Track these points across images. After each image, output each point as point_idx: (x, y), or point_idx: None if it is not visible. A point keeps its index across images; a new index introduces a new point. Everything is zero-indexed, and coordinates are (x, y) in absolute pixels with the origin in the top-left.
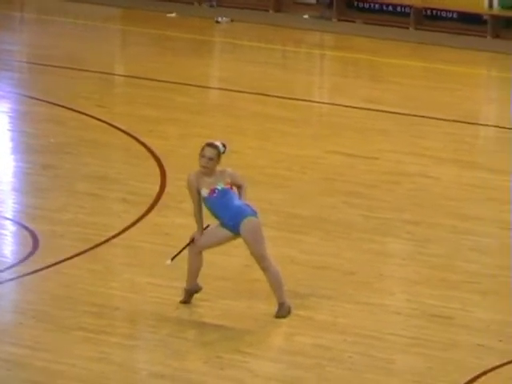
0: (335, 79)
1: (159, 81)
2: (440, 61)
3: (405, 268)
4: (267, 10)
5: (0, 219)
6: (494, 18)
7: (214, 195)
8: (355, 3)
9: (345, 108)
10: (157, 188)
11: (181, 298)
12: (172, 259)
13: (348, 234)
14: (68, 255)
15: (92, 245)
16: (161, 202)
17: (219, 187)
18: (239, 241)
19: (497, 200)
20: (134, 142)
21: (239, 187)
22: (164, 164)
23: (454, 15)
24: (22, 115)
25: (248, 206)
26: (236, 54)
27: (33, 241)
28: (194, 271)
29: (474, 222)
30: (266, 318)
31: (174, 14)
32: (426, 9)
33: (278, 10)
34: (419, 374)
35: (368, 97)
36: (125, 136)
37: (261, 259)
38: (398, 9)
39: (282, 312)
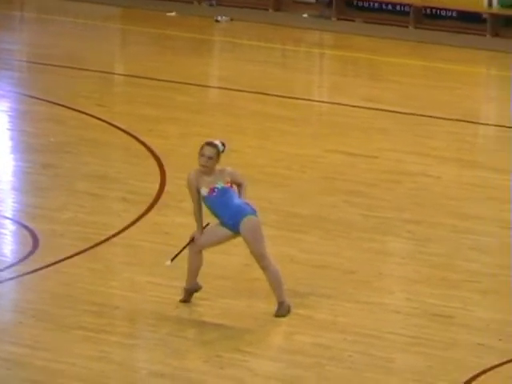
0: (335, 78)
1: (159, 80)
2: (440, 59)
3: (405, 267)
4: (267, 9)
5: (0, 218)
6: (494, 16)
7: (214, 194)
8: (355, 2)
9: (344, 107)
10: (157, 187)
11: (181, 297)
12: (172, 260)
13: (348, 233)
14: (68, 254)
15: (92, 244)
16: (161, 201)
17: (219, 186)
18: (239, 240)
19: (497, 199)
20: (133, 141)
21: (239, 185)
22: (164, 163)
23: (454, 14)
24: (21, 114)
25: (248, 204)
26: (236, 52)
27: (33, 240)
28: (194, 270)
29: (474, 221)
30: (265, 317)
31: (173, 13)
32: (425, 7)
33: (277, 9)
34: (419, 373)
35: (368, 96)
36: (125, 135)
37: (260, 258)
38: (398, 7)
39: (282, 311)
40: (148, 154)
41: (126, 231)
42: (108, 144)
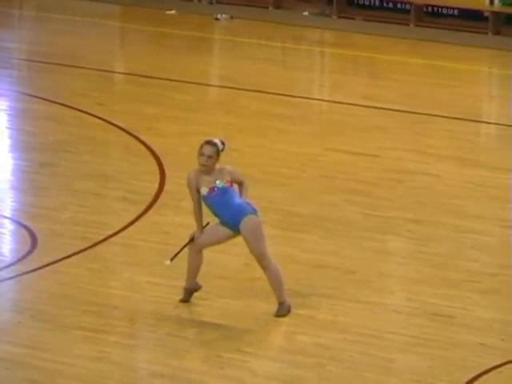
0: (335, 76)
1: (158, 78)
2: (440, 58)
3: (405, 267)
4: (267, 7)
5: None
6: (495, 14)
7: (214, 193)
8: (355, 0)
9: (345, 105)
10: (156, 186)
11: (180, 297)
12: (171, 259)
13: (348, 232)
14: (67, 254)
15: (91, 243)
16: (160, 200)
17: (219, 185)
18: (239, 239)
19: (498, 198)
20: (133, 139)
21: (240, 184)
22: (163, 162)
23: (455, 12)
24: (20, 113)
25: (248, 204)
26: (235, 51)
27: (31, 239)
28: (194, 270)
29: (475, 221)
30: (266, 317)
31: (173, 11)
32: (426, 5)
33: (277, 7)
34: (420, 374)
35: (368, 94)
36: (124, 134)
37: (261, 257)
38: (399, 5)
39: (282, 311)
40: (147, 152)
41: (126, 231)
42: (107, 143)
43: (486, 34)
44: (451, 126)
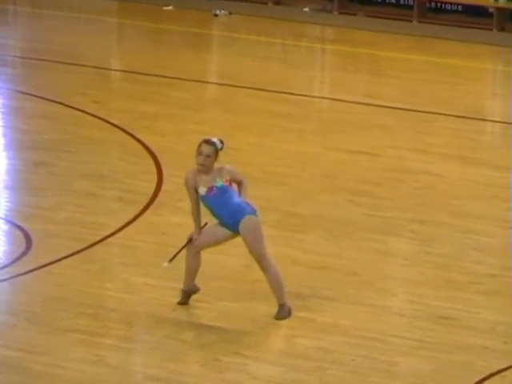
0: (336, 74)
1: (155, 75)
2: (444, 54)
3: (408, 268)
4: (266, 3)
5: None
6: (500, 10)
7: (213, 193)
8: None
9: (346, 103)
10: (153, 186)
11: (178, 299)
12: (169, 261)
13: (350, 233)
14: (62, 255)
15: (87, 244)
16: (157, 200)
17: (218, 185)
18: (238, 240)
19: (501, 197)
20: (130, 138)
21: (239, 184)
22: (160, 161)
23: (459, 8)
24: (14, 111)
25: (248, 204)
26: (234, 47)
27: (26, 240)
28: (192, 271)
29: (478, 221)
30: (265, 320)
31: (170, 7)
32: (429, 1)
33: (277, 3)
34: (423, 377)
35: (369, 92)
36: (121, 132)
37: (260, 258)
38: (401, 1)
39: (283, 313)
40: (145, 151)
41: (122, 231)
42: (104, 142)
43: (491, 30)
44: (454, 125)
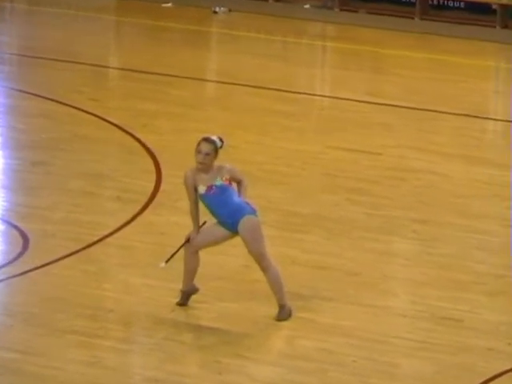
0: (337, 71)
1: (154, 73)
2: (446, 52)
3: (410, 268)
4: (266, 0)
5: None
6: (503, 7)
7: (212, 192)
8: None
9: (347, 101)
10: (152, 185)
11: (177, 300)
12: (166, 261)
13: (350, 232)
14: (60, 255)
15: (85, 244)
16: (156, 199)
17: (217, 184)
18: (237, 240)
19: (504, 197)
20: (128, 137)
21: (239, 183)
22: (159, 160)
23: (462, 5)
24: (11, 109)
25: (247, 203)
26: (234, 45)
27: (23, 241)
28: (191, 272)
29: (481, 220)
30: (266, 321)
31: (169, 4)
32: None
33: (277, 0)
34: (426, 379)
35: (371, 90)
36: (118, 131)
37: (260, 258)
38: None
39: (283, 314)
40: (143, 150)
41: (120, 231)
42: (101, 140)
43: (494, 27)
44: (456, 123)
